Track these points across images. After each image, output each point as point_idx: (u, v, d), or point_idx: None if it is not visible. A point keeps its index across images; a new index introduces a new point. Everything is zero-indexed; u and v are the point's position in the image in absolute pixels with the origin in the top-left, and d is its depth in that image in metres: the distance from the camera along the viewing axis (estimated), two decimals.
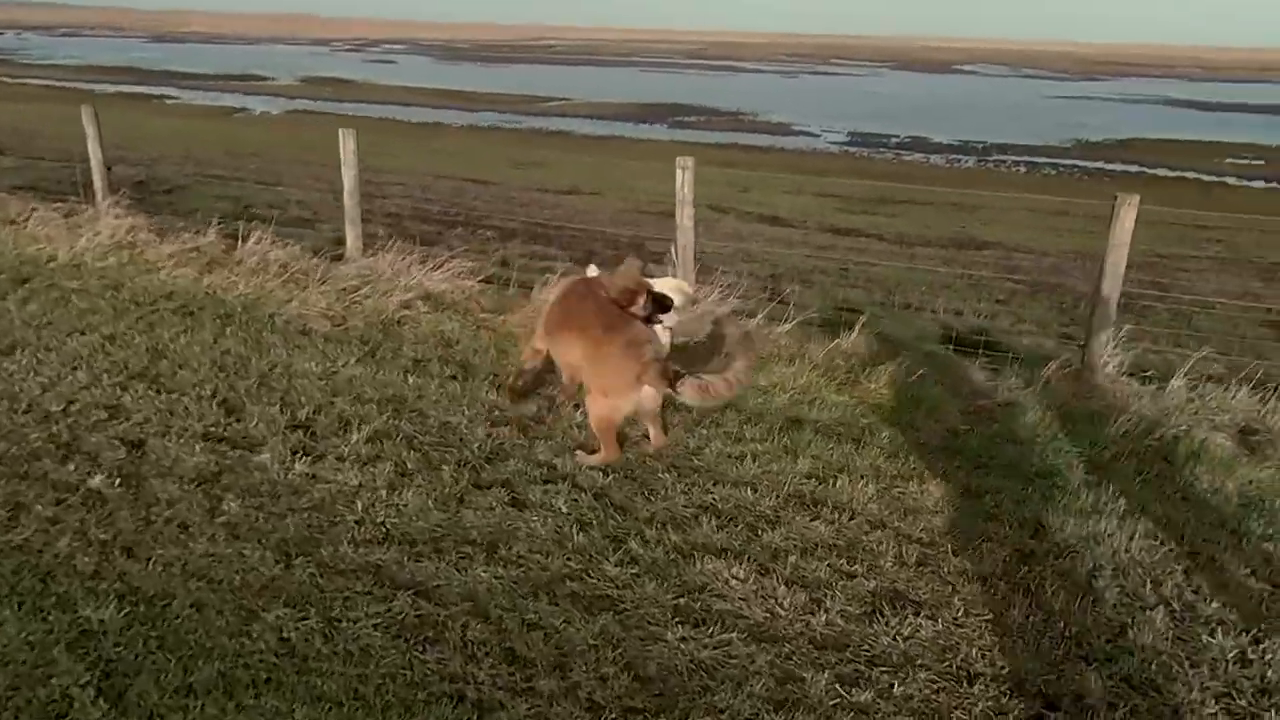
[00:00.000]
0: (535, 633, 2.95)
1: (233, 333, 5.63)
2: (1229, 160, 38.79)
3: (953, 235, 20.46)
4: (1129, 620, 3.14)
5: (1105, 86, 77.82)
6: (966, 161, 38.56)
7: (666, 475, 4.04)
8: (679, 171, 6.13)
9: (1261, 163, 38.34)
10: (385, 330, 5.91)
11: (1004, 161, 38.39)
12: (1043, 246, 19.23)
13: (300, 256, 7.12)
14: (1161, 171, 36.23)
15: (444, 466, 4.00)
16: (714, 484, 3.98)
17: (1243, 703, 2.79)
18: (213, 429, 4.30)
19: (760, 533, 3.59)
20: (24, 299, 6.13)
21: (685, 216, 6.20)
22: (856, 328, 5.81)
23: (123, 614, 2.95)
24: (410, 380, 5.01)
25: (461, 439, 4.33)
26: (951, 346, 6.15)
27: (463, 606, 3.07)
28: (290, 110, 42.55)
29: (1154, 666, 2.91)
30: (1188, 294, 13.82)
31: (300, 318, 6.06)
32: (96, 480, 3.77)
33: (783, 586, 3.23)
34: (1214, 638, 3.07)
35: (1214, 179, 34.74)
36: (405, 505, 3.68)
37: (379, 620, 2.97)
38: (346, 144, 6.99)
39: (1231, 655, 2.99)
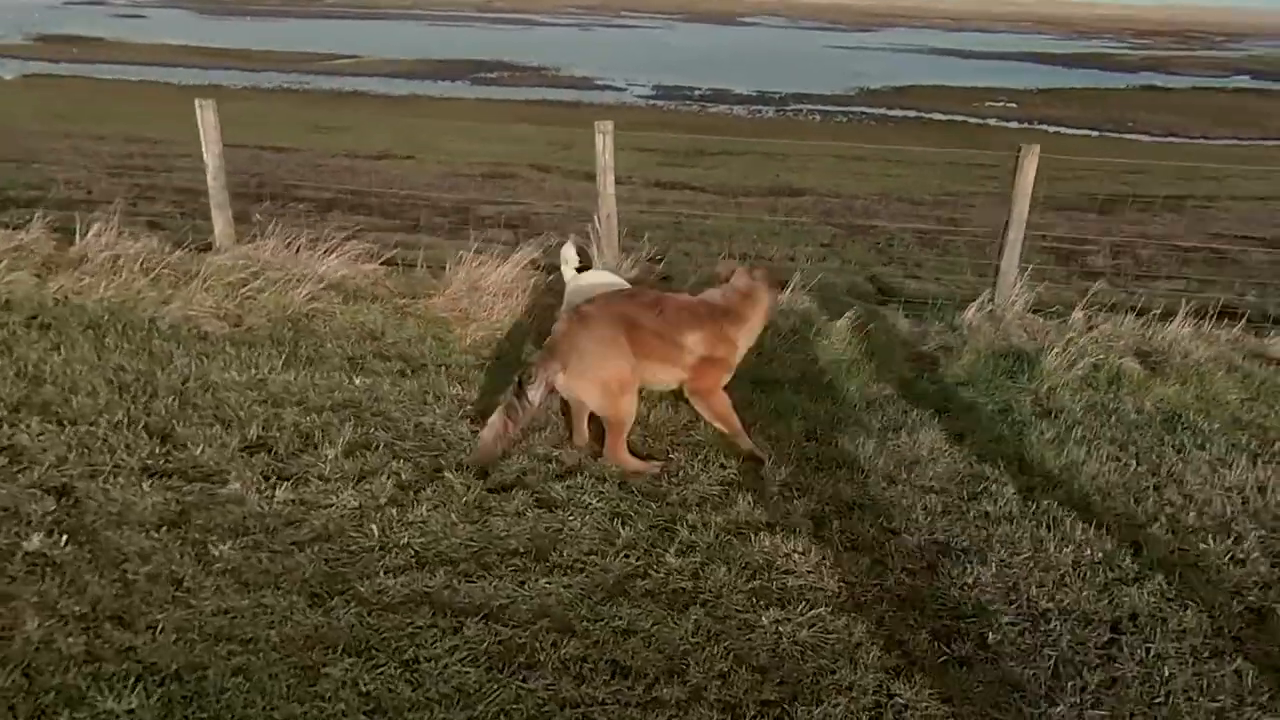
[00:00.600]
0: (631, 640, 2.81)
1: (115, 344, 4.85)
2: (988, 104, 43.03)
3: (770, 184, 21.31)
4: (1139, 539, 3.47)
5: (877, 37, 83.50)
6: (767, 112, 40.15)
7: (677, 454, 3.96)
8: (599, 136, 5.92)
9: (1015, 106, 42.86)
10: (296, 327, 5.33)
11: (800, 111, 40.37)
12: (850, 191, 20.53)
13: (159, 250, 6.24)
14: (936, 116, 39.58)
15: (445, 473, 3.69)
16: (725, 457, 3.95)
17: (1253, 597, 3.17)
18: (151, 462, 3.70)
19: (794, 501, 3.62)
20: None
21: (608, 184, 6.02)
22: (791, 284, 5.93)
23: (154, 699, 2.49)
24: (356, 381, 4.55)
25: (446, 441, 4.00)
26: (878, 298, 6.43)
27: (542, 624, 2.86)
28: (29, 74, 36.80)
29: (1177, 576, 3.23)
30: (981, 227, 15.36)
31: (188, 320, 5.33)
32: (35, 540, 3.13)
33: (844, 553, 3.28)
34: (1207, 544, 3.46)
35: (979, 121, 38.51)
36: (425, 522, 3.36)
37: (462, 654, 2.71)
38: (206, 117, 6.14)
39: (1226, 558, 3.39)
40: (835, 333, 5.32)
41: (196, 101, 6.20)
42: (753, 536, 3.35)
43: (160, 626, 2.77)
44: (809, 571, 3.18)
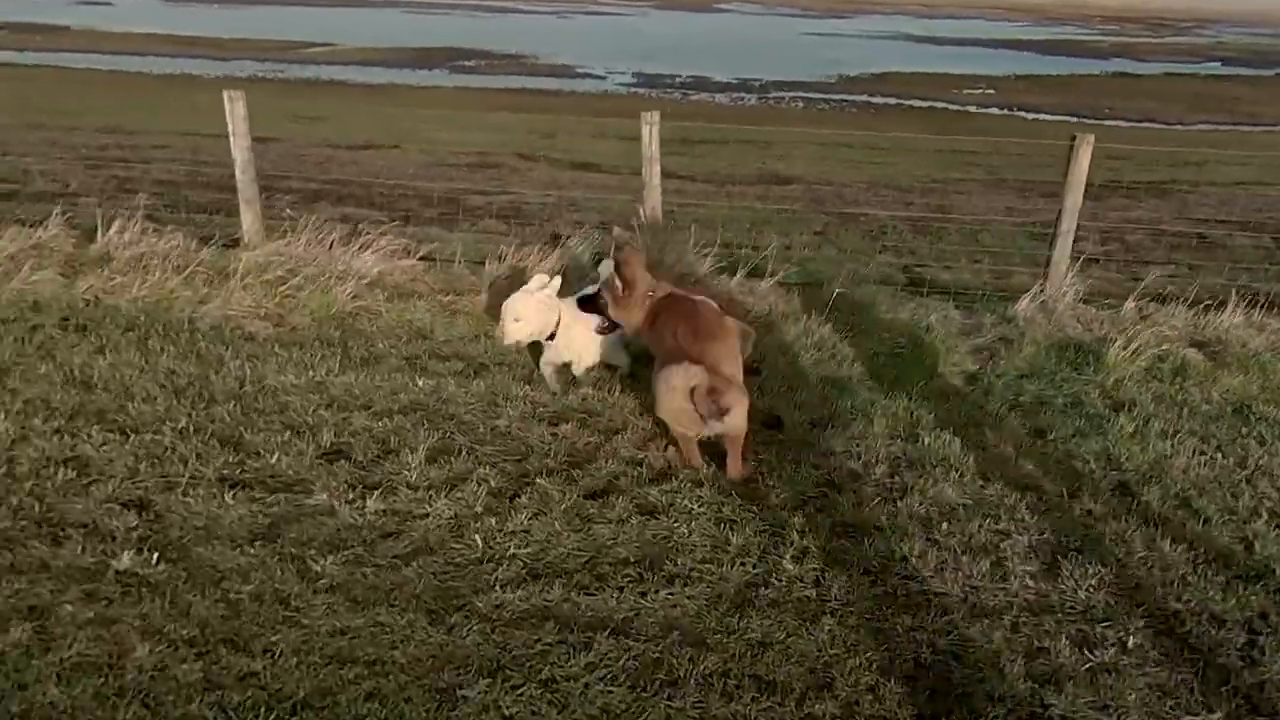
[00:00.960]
0: (769, 653, 2.72)
1: (159, 347, 4.66)
2: (967, 91, 43.25)
3: (758, 172, 21.21)
4: (1246, 535, 3.44)
5: (850, 24, 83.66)
6: (749, 99, 40.02)
7: (764, 454, 3.87)
8: (645, 127, 5.79)
9: (993, 92, 43.11)
10: (342, 326, 5.16)
11: (782, 98, 40.28)
12: (839, 178, 20.52)
13: (185, 246, 6.01)
14: (915, 103, 39.72)
15: (537, 480, 3.57)
16: (813, 454, 3.86)
17: None
18: (228, 472, 3.54)
19: (896, 503, 3.54)
20: None
21: (653, 175, 5.89)
22: (838, 279, 5.86)
23: None
24: (420, 383, 4.40)
25: (528, 445, 3.87)
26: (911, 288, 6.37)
27: (672, 638, 2.76)
28: None
29: None
30: (968, 214, 15.41)
31: (229, 320, 5.14)
32: (125, 559, 2.98)
33: (963, 556, 3.21)
34: None
35: (959, 108, 38.71)
36: (528, 531, 3.24)
37: (600, 672, 2.60)
38: (235, 109, 5.92)
39: None
40: (894, 326, 5.25)
41: (225, 94, 5.97)
42: (865, 540, 3.27)
43: (278, 650, 2.63)
44: (930, 576, 3.11)
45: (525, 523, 3.28)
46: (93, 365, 4.39)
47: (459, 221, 12.42)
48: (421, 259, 6.12)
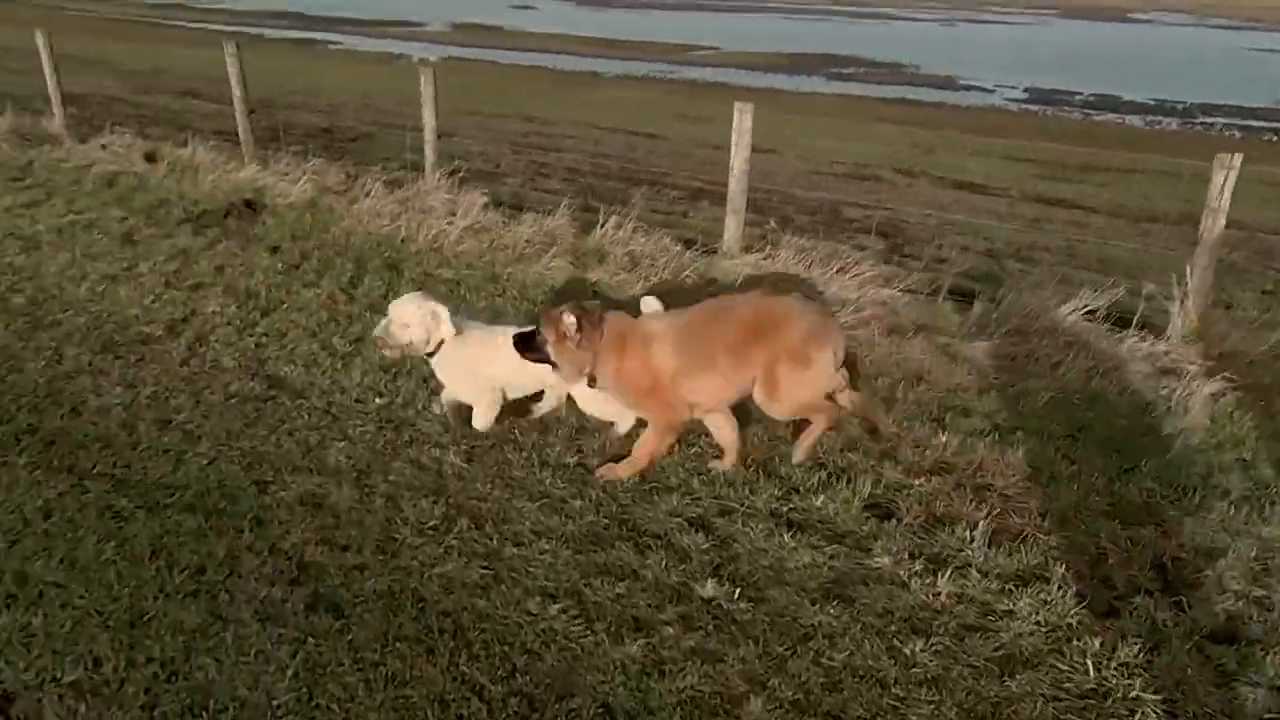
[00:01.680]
0: None
1: None
2: None
3: (1182, 210, 18.01)
4: None
5: None
6: (1169, 123, 34.78)
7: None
8: (1221, 171, 4.84)
9: None
10: None
11: (1212, 125, 34.42)
12: None
13: (668, 250, 6.23)
14: None
15: (1132, 598, 2.99)
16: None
17: None
18: (777, 507, 3.41)
19: None
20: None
21: (1215, 227, 4.93)
22: None
23: None
24: (941, 438, 3.99)
25: (1100, 543, 3.29)
26: None
27: None
28: (446, 57, 42.31)
29: None
30: None
31: None
32: (708, 587, 2.93)
33: None
34: None
35: None
36: (1148, 668, 2.68)
37: None
38: (742, 121, 5.98)
39: None
40: None
41: (736, 105, 6.07)
42: None
43: None
44: None
45: (1140, 656, 2.73)
46: None
47: (836, 234, 12.04)
48: (904, 290, 5.76)
